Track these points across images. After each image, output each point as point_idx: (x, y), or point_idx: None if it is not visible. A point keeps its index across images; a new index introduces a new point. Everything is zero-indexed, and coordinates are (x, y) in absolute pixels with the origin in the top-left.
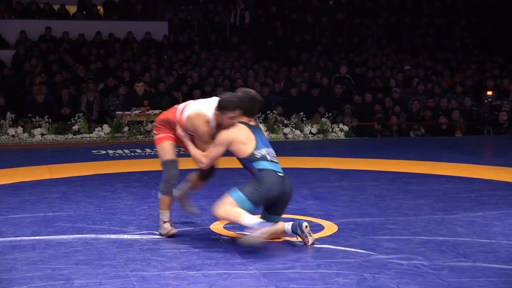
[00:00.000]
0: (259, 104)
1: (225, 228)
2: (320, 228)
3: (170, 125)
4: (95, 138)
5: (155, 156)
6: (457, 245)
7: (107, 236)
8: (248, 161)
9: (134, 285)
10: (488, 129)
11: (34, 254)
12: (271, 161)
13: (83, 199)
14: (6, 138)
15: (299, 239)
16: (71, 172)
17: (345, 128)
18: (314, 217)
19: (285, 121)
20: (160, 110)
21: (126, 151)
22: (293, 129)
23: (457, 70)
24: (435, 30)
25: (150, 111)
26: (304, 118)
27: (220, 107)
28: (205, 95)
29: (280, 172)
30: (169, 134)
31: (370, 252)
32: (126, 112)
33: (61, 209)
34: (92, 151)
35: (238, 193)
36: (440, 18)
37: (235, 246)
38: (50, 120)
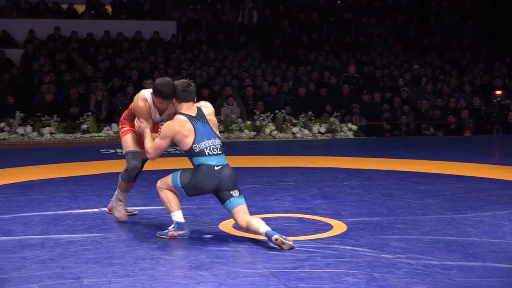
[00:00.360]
0: (187, 90)
1: (234, 227)
2: (329, 227)
3: (132, 119)
4: (103, 137)
5: (164, 155)
6: (466, 245)
7: (116, 235)
8: (189, 155)
9: (143, 284)
10: (497, 128)
11: (43, 253)
12: (209, 154)
13: (92, 198)
14: (15, 137)
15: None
16: (80, 171)
17: (354, 127)
18: (322, 216)
19: (294, 121)
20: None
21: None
22: (302, 129)
23: (465, 69)
24: (443, 29)
25: None
26: (313, 118)
27: (153, 91)
28: (213, 94)
29: (217, 165)
30: (131, 128)
31: (379, 252)
32: None
33: (70, 208)
34: (101, 150)
35: (177, 178)
36: (448, 17)
37: (244, 245)
38: (59, 119)
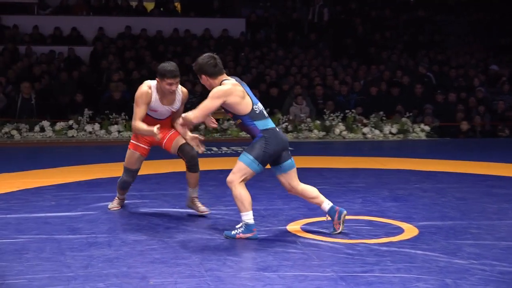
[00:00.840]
0: (218, 64)
1: (302, 229)
2: (400, 231)
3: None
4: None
5: (232, 154)
6: None
7: (183, 235)
8: (249, 119)
9: (209, 285)
10: None
11: (110, 252)
12: (267, 117)
13: (159, 197)
14: (83, 135)
15: (328, 218)
16: (147, 170)
17: (426, 128)
18: (393, 219)
19: (364, 121)
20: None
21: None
22: (373, 129)
23: None
24: None
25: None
26: (384, 118)
27: (159, 74)
28: (282, 93)
29: (277, 127)
30: (140, 145)
31: (451, 257)
32: None
33: (137, 207)
34: None
35: (247, 156)
36: None
37: (313, 247)
38: (126, 117)
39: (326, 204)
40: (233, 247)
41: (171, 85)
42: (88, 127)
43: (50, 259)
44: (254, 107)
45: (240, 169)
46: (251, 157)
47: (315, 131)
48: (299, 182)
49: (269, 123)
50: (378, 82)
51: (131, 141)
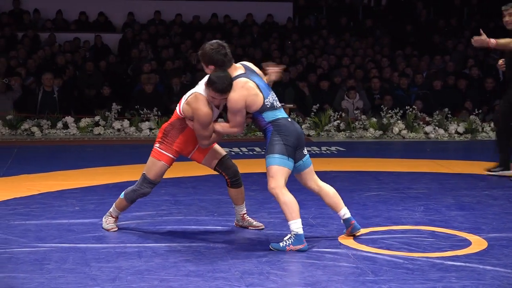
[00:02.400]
0: (228, 54)
1: (355, 240)
2: (467, 243)
3: (175, 134)
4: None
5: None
6: None
7: (221, 245)
8: (258, 113)
9: None
10: None
11: (140, 263)
12: (278, 107)
13: (195, 202)
14: (111, 132)
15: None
16: (181, 172)
17: None
18: (459, 230)
19: (427, 118)
20: (283, 103)
21: (244, 149)
22: (436, 128)
23: None
24: None
25: None
26: (449, 115)
27: (208, 82)
28: (333, 86)
29: (288, 118)
30: (168, 154)
31: None
32: None
33: (170, 213)
34: None
35: (273, 157)
36: None
37: (367, 261)
38: (159, 113)
39: (343, 213)
40: (277, 259)
41: (214, 98)
42: (116, 124)
43: (73, 271)
44: (265, 101)
45: (275, 172)
46: (277, 155)
47: (371, 129)
48: (317, 183)
49: (278, 113)
50: (443, 75)
51: (157, 148)
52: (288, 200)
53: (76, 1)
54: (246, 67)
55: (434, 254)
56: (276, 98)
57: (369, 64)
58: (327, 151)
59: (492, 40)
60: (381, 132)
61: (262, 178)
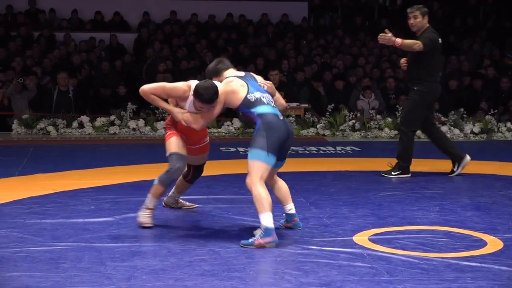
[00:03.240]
0: (222, 61)
1: (370, 240)
2: (482, 244)
3: (176, 122)
4: (224, 134)
5: (292, 155)
6: None
7: (236, 244)
8: (244, 107)
9: None
10: None
11: (155, 262)
12: (268, 103)
13: (210, 201)
14: (126, 132)
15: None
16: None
17: None
18: (474, 230)
19: (442, 118)
20: (298, 103)
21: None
22: (452, 128)
23: None
24: None
25: (286, 104)
26: (465, 115)
27: (194, 92)
28: (349, 86)
29: (280, 116)
30: (177, 131)
31: None
32: None
33: (185, 213)
34: (220, 148)
35: (252, 151)
36: None
37: (382, 261)
38: None
39: (290, 207)
40: (292, 259)
41: (201, 108)
42: (132, 123)
43: (89, 270)
44: (247, 95)
45: (252, 167)
46: (257, 150)
47: (386, 129)
48: (275, 177)
49: (269, 110)
50: (458, 75)
51: (168, 132)
52: (258, 194)
53: (92, 0)
54: (246, 72)
55: (450, 255)
56: (271, 99)
57: (385, 63)
58: (342, 151)
59: (398, 40)
60: (396, 132)
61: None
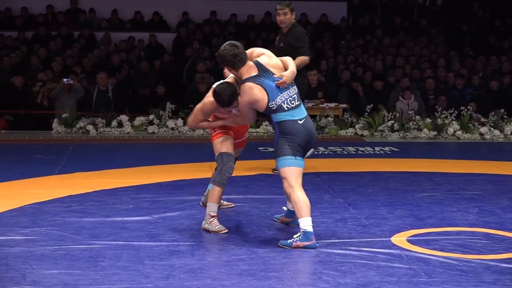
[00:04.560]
0: (238, 55)
1: (408, 241)
2: None
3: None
4: (262, 134)
5: (330, 155)
6: None
7: (274, 244)
8: (268, 113)
9: None
10: None
11: (193, 261)
12: (289, 108)
13: (247, 201)
14: (165, 131)
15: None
16: (234, 171)
17: None
18: None
19: (482, 119)
20: (336, 104)
21: None
22: (492, 129)
23: None
24: None
25: (325, 104)
26: (505, 116)
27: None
28: (387, 86)
29: (300, 119)
30: (223, 130)
31: None
32: None
33: (223, 212)
34: (259, 148)
35: (279, 161)
36: None
37: (420, 262)
38: None
39: (291, 206)
40: (329, 260)
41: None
42: (171, 123)
43: (127, 268)
44: (269, 104)
45: (286, 174)
46: (283, 158)
47: (425, 130)
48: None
49: (284, 116)
50: (499, 75)
51: (214, 132)
52: (298, 199)
53: (131, 0)
54: (259, 67)
55: (489, 256)
56: (293, 97)
57: (424, 64)
58: (381, 152)
59: (292, 70)
60: (435, 132)
61: (314, 178)
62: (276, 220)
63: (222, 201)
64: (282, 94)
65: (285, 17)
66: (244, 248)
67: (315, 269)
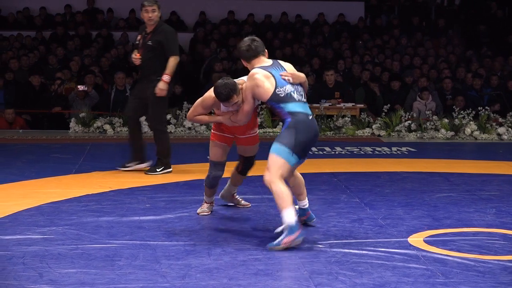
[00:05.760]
0: (251, 47)
1: (425, 241)
2: None
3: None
4: (278, 133)
5: (347, 155)
6: None
7: (290, 244)
8: (274, 102)
9: None
10: None
11: (209, 261)
12: (299, 100)
13: (264, 201)
14: (182, 131)
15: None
16: (250, 171)
17: None
18: None
19: (500, 120)
20: (353, 104)
21: (313, 148)
22: (510, 129)
23: None
24: None
25: (342, 104)
26: None
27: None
28: (404, 87)
29: (310, 114)
30: (220, 133)
31: None
32: (314, 105)
33: (240, 211)
34: None
35: (277, 145)
36: None
37: (437, 263)
38: None
39: (304, 203)
40: (346, 260)
41: (226, 106)
42: (187, 122)
43: (144, 267)
44: (276, 90)
45: (274, 162)
46: (282, 146)
47: (443, 130)
48: (294, 173)
49: (299, 108)
50: None
51: (213, 131)
52: (280, 190)
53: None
54: (274, 61)
55: (506, 257)
56: (301, 93)
57: (442, 64)
58: (398, 152)
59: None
60: (452, 133)
61: (331, 178)
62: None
63: (240, 198)
64: (290, 85)
65: (153, 14)
66: (260, 248)
67: (332, 269)
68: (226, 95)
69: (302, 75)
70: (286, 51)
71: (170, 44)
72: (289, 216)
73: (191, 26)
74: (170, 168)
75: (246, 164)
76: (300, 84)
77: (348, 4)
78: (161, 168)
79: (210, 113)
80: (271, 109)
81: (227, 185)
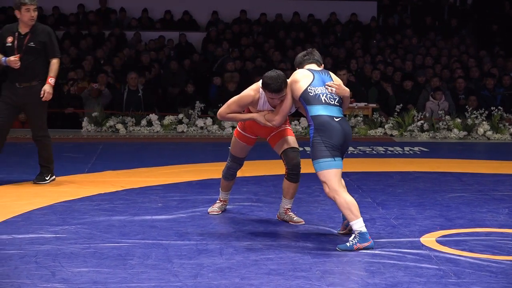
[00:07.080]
0: (310, 52)
1: (438, 241)
2: None
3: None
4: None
5: (359, 155)
6: None
7: (302, 244)
8: (303, 100)
9: None
10: None
11: (221, 260)
12: (326, 102)
13: (276, 200)
14: (194, 130)
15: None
16: (263, 170)
17: None
18: None
19: None
20: (366, 103)
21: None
22: None
23: None
24: None
25: (354, 104)
26: None
27: (262, 84)
28: (417, 86)
29: (336, 117)
30: (247, 134)
31: None
32: None
33: (251, 211)
34: None
35: (318, 163)
36: None
37: (450, 263)
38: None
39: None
40: (358, 260)
41: (272, 99)
42: (200, 122)
43: (156, 267)
44: (308, 88)
45: (325, 177)
46: (321, 160)
47: (455, 130)
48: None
49: (322, 110)
50: None
51: (237, 128)
52: (345, 201)
53: (162, 0)
54: (326, 71)
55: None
56: (335, 97)
57: (455, 64)
58: (410, 152)
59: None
60: (465, 133)
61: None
62: (340, 232)
63: (293, 214)
64: (325, 90)
65: (35, 14)
66: (272, 248)
67: (344, 269)
68: (280, 85)
69: (347, 89)
70: (298, 51)
71: (54, 45)
72: (359, 225)
73: (203, 26)
74: (53, 174)
75: (288, 163)
76: (340, 97)
77: (360, 4)
78: (49, 175)
79: None
80: (301, 111)
81: (282, 202)
